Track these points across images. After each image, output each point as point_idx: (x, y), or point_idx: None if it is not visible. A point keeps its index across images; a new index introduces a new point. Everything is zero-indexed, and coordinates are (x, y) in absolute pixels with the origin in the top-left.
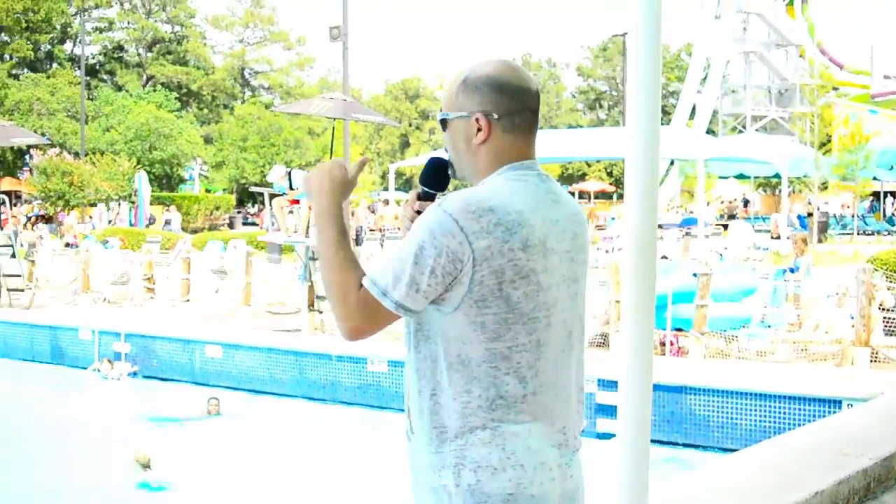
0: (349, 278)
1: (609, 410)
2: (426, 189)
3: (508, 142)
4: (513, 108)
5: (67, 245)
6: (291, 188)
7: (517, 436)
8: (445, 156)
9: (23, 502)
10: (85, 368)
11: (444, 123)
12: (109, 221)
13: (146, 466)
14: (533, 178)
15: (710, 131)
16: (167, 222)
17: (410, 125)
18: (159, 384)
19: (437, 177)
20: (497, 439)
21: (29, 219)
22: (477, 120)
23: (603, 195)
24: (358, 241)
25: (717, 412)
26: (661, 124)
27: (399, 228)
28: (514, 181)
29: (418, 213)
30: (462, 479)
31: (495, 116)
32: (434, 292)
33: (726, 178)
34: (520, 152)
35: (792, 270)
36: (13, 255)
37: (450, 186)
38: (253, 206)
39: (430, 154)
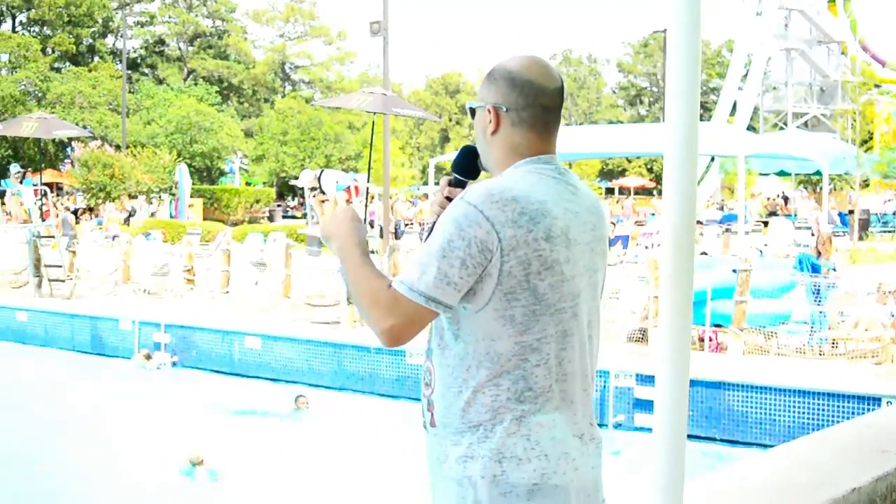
0: (377, 284)
1: (647, 405)
2: (458, 176)
3: (519, 136)
4: (521, 103)
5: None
6: (322, 191)
7: (542, 426)
8: None
9: (69, 491)
10: (125, 358)
11: (471, 112)
12: (152, 214)
13: (198, 464)
14: (551, 172)
15: (750, 128)
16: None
17: (450, 120)
18: (199, 374)
19: (469, 164)
20: (522, 430)
21: (76, 211)
22: (489, 111)
23: (643, 191)
24: (397, 235)
25: (756, 408)
26: (702, 121)
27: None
28: (531, 174)
29: (448, 199)
30: (487, 470)
31: (504, 109)
32: (465, 284)
33: (767, 175)
34: (535, 147)
35: (815, 268)
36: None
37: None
38: (293, 199)
39: None
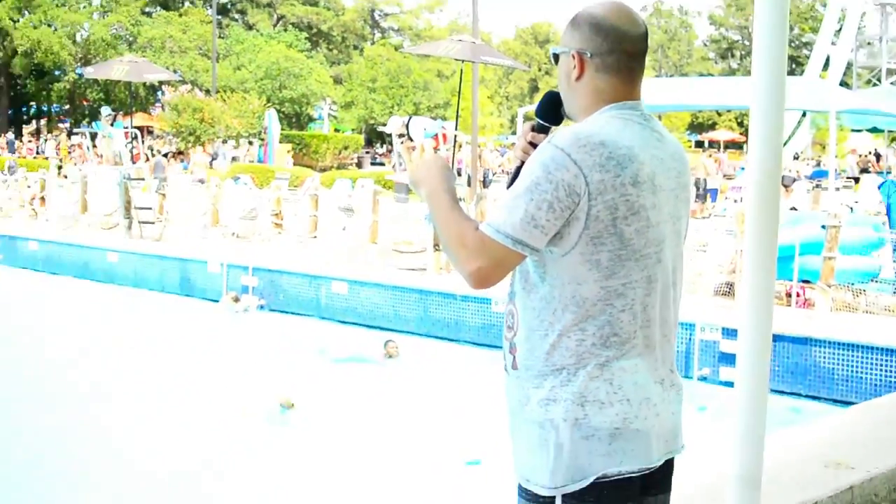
0: (465, 226)
1: (733, 359)
2: (541, 122)
3: (604, 82)
4: (605, 48)
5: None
6: (410, 138)
7: (624, 371)
8: None
9: (159, 432)
10: (213, 301)
11: (555, 58)
12: (233, 158)
13: (288, 407)
14: (637, 118)
15: (843, 83)
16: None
17: (540, 70)
18: (286, 318)
19: (552, 110)
20: (605, 374)
21: (165, 154)
22: (573, 57)
23: (733, 145)
24: (485, 184)
25: (842, 365)
26: (794, 75)
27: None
28: (617, 119)
29: (532, 144)
30: (570, 414)
31: (588, 55)
32: (553, 227)
33: (859, 131)
34: (619, 93)
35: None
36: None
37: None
38: (381, 146)
39: None
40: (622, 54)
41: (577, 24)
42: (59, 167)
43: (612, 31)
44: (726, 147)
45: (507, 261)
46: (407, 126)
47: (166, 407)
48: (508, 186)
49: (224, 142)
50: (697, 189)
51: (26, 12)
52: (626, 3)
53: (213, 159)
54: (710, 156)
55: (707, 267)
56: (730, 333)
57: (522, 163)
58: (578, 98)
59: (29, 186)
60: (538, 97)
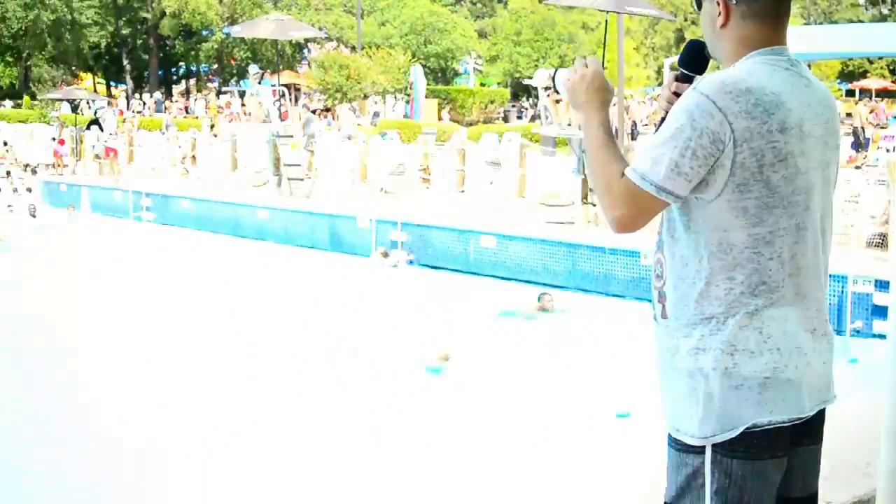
0: (613, 169)
1: (886, 312)
2: (684, 71)
3: (750, 27)
4: None
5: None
6: (556, 90)
7: (774, 319)
8: None
9: (317, 385)
10: (363, 256)
11: (698, 5)
12: (376, 114)
13: (445, 361)
14: (784, 63)
15: None
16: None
17: (686, 20)
18: (435, 273)
19: (695, 59)
20: (755, 323)
21: (313, 111)
22: (718, 3)
23: (885, 93)
24: (633, 136)
25: None
26: None
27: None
28: (765, 65)
29: (676, 94)
30: (719, 363)
31: (734, 1)
32: (697, 175)
33: None
34: (766, 38)
35: None
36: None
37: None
38: (527, 100)
39: None
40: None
41: None
42: (212, 126)
43: None
44: (878, 95)
45: (651, 208)
46: (553, 78)
47: (320, 362)
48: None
49: (366, 98)
50: (856, 138)
51: None
52: None
53: (376, 116)
54: (866, 104)
55: (859, 218)
56: (883, 286)
57: (667, 112)
58: (724, 45)
59: (180, 146)
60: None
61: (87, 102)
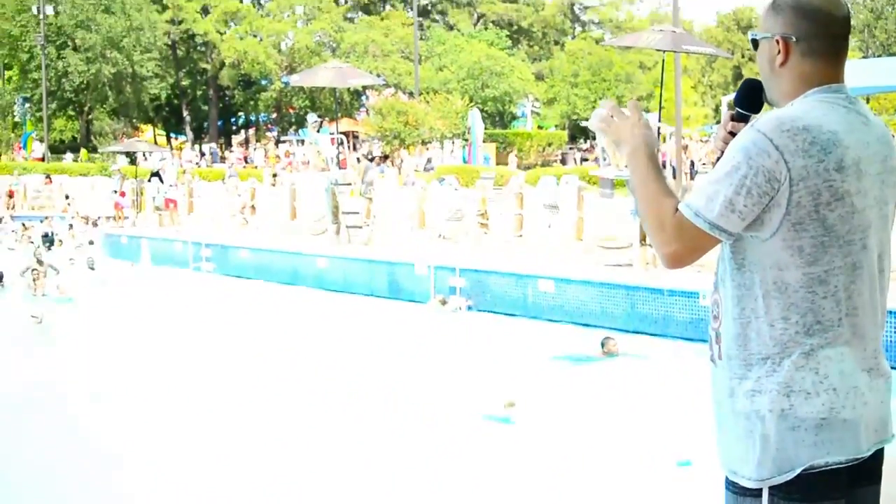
0: (664, 205)
1: None
2: (740, 110)
3: (809, 65)
4: (812, 31)
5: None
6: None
7: (830, 359)
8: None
9: (378, 433)
10: (421, 303)
11: (755, 44)
12: (428, 160)
13: (510, 407)
14: (842, 101)
15: None
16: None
17: (743, 56)
18: (494, 318)
19: (751, 98)
20: (811, 363)
21: (372, 158)
22: (777, 42)
23: None
24: (691, 176)
25: None
26: None
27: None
28: (822, 103)
29: (732, 134)
30: (776, 404)
31: (794, 39)
32: (751, 213)
33: None
34: (824, 76)
35: None
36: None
37: (764, 108)
38: (585, 142)
39: None
40: (828, 37)
41: (778, 7)
42: (274, 175)
43: (817, 13)
44: None
45: (704, 244)
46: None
47: (380, 410)
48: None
49: (427, 142)
50: None
51: (232, 24)
52: None
53: (429, 161)
54: None
55: None
56: None
57: (723, 152)
58: (782, 83)
59: (239, 195)
60: None
61: (143, 154)
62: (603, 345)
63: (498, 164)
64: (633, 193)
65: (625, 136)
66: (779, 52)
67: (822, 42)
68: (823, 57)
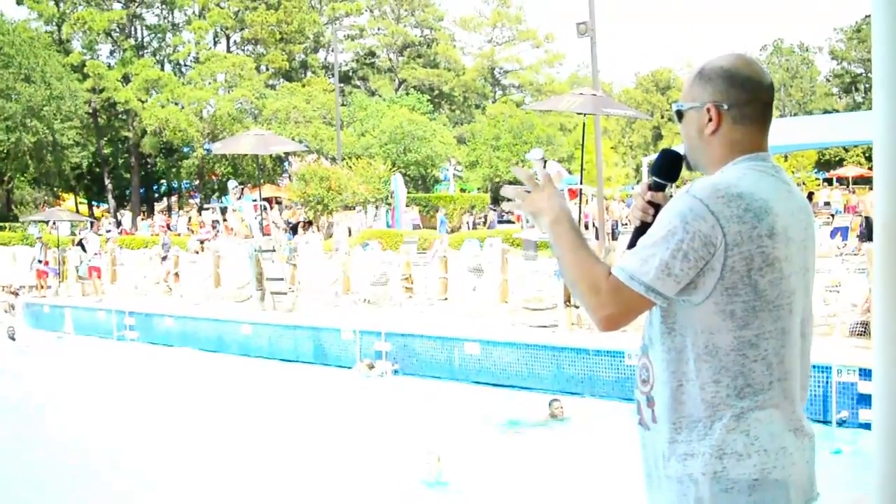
0: (596, 270)
1: (871, 401)
2: (657, 180)
3: (740, 133)
4: (742, 99)
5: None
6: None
7: (760, 421)
8: (678, 148)
9: (306, 497)
10: (347, 368)
11: (679, 115)
12: (350, 230)
13: (439, 469)
14: (769, 169)
15: None
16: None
17: (662, 117)
18: (423, 382)
19: (669, 167)
20: (741, 425)
21: (295, 225)
22: (708, 110)
23: (862, 181)
24: (613, 236)
25: None
26: None
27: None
28: (753, 171)
29: (650, 203)
30: (709, 467)
31: (725, 107)
32: (686, 277)
33: None
34: (753, 143)
35: None
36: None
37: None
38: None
39: (682, 145)
40: (758, 104)
41: (706, 77)
42: (202, 242)
43: (747, 81)
44: (855, 183)
45: (638, 307)
46: (545, 162)
47: (316, 477)
48: (629, 247)
49: (352, 209)
50: (868, 227)
51: (154, 92)
52: (746, 43)
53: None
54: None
55: (841, 307)
56: (867, 374)
57: (642, 223)
58: (711, 151)
59: (162, 263)
60: (662, 145)
61: (53, 223)
62: (549, 406)
63: (426, 227)
64: (560, 261)
65: (542, 207)
66: (709, 119)
67: (752, 109)
68: (753, 124)
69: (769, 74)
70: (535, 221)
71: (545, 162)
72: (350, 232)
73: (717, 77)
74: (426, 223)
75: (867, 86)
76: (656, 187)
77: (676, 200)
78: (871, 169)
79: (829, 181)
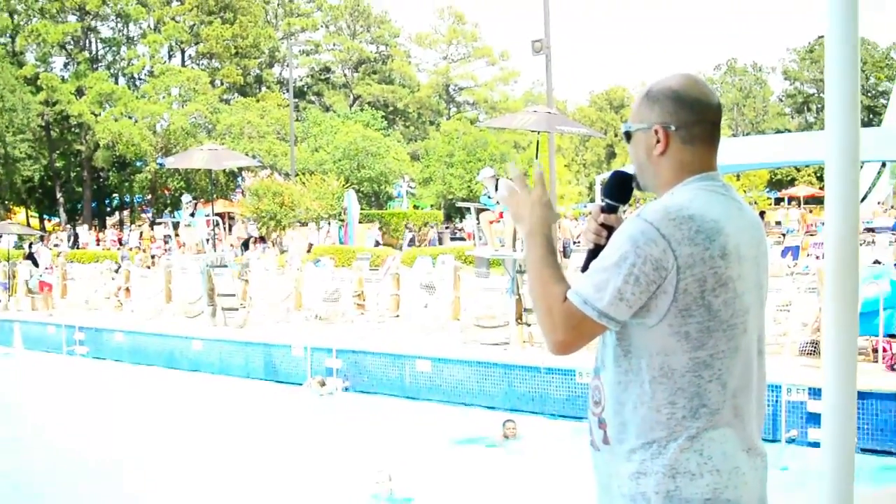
0: (554, 292)
1: (820, 419)
2: (609, 201)
3: (689, 153)
4: (690, 120)
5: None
6: (497, 199)
7: (714, 441)
8: (629, 169)
9: None
10: (298, 384)
11: (628, 136)
12: (310, 245)
13: (388, 488)
14: (719, 189)
15: None
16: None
17: (616, 135)
18: (371, 399)
19: (620, 189)
20: (695, 445)
21: (247, 241)
22: (656, 132)
23: (813, 200)
24: (565, 254)
25: None
26: (872, 126)
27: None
28: (703, 191)
29: (602, 225)
30: (661, 486)
31: (673, 128)
32: (638, 301)
33: None
34: (702, 163)
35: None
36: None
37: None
38: (461, 221)
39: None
40: (706, 125)
41: (654, 98)
42: (153, 256)
43: (695, 102)
44: (806, 202)
45: (591, 332)
46: (496, 181)
47: (260, 494)
48: (583, 269)
49: (304, 224)
50: None
51: (107, 106)
52: (700, 63)
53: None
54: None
55: (791, 326)
56: (816, 393)
57: (595, 245)
58: (660, 172)
59: (113, 278)
60: (615, 163)
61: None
62: (503, 427)
63: (385, 244)
64: (528, 272)
65: (524, 214)
66: (658, 140)
67: (701, 129)
68: (702, 144)
69: (717, 95)
70: (517, 225)
71: (497, 180)
72: (310, 248)
73: (664, 98)
74: (386, 240)
75: (819, 106)
76: (608, 209)
77: (628, 224)
78: (822, 188)
79: (780, 200)
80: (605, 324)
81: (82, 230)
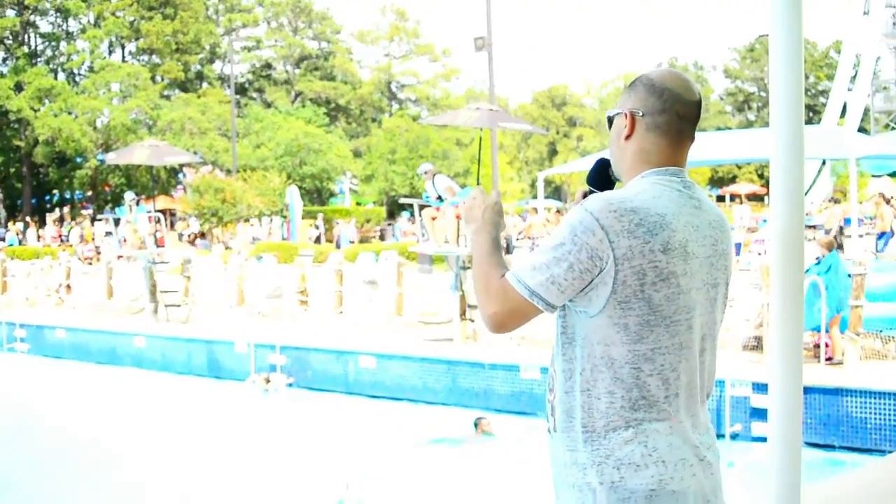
0: (493, 271)
1: (764, 414)
2: (592, 189)
3: (651, 142)
4: (657, 107)
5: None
6: (440, 197)
7: (658, 433)
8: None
9: None
10: (241, 381)
11: (609, 122)
12: (254, 239)
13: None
14: (676, 184)
15: (861, 129)
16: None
17: (558, 133)
18: (315, 395)
19: (602, 176)
20: (639, 437)
21: (184, 236)
22: (626, 116)
23: (754, 197)
24: (508, 250)
25: (874, 414)
26: (812, 124)
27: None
28: (655, 185)
29: None
30: (605, 477)
31: (640, 114)
32: (571, 287)
33: (880, 176)
34: (664, 155)
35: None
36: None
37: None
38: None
39: (577, 161)
40: (673, 115)
41: (632, 85)
42: (97, 250)
43: (665, 91)
44: (748, 199)
45: (523, 311)
46: (433, 177)
47: (202, 494)
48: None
49: (247, 221)
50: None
51: (47, 101)
52: (641, 60)
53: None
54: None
55: (734, 322)
56: (760, 388)
57: None
58: (625, 158)
59: (53, 273)
60: (557, 160)
61: None
62: (476, 425)
63: (316, 240)
64: (473, 261)
65: (475, 215)
66: (625, 125)
67: (665, 119)
68: (665, 136)
69: (698, 94)
70: (466, 225)
71: (434, 175)
72: (253, 241)
73: (640, 85)
74: (327, 237)
75: (759, 104)
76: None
77: (571, 212)
78: (763, 186)
79: (721, 198)
80: (535, 304)
81: (30, 229)
